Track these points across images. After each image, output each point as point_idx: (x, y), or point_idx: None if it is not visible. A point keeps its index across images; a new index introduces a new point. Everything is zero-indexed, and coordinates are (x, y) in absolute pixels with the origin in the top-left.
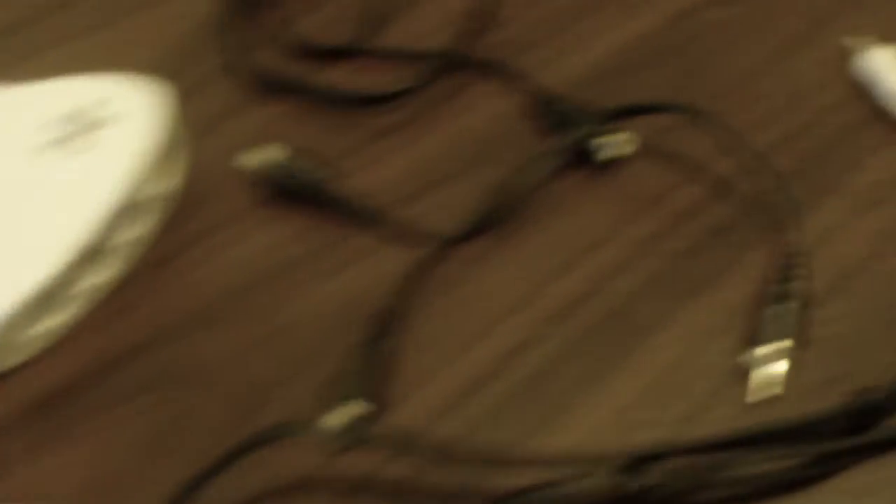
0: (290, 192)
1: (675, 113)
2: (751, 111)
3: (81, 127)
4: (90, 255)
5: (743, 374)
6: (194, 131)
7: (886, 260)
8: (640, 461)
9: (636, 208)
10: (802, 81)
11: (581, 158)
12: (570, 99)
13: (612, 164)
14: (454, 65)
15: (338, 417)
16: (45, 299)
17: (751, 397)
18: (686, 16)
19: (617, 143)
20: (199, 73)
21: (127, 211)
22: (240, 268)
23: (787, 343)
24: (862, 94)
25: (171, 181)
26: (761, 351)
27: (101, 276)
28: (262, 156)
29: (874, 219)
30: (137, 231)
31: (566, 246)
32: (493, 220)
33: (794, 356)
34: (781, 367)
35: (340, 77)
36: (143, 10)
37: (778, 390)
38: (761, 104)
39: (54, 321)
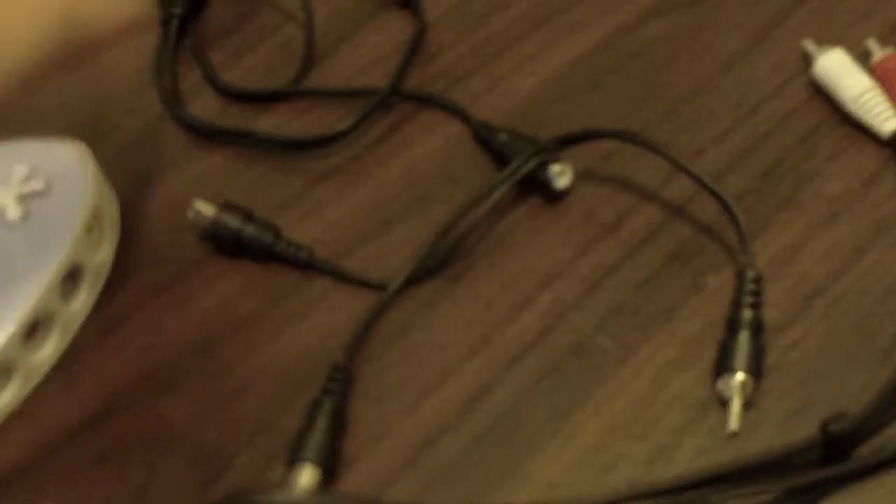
0: (235, 247)
1: (617, 139)
2: (704, 127)
3: (13, 196)
4: (31, 328)
5: (711, 405)
6: (134, 189)
7: (847, 276)
8: None
9: (590, 238)
10: (758, 90)
11: (528, 190)
12: (510, 129)
13: (562, 193)
14: (391, 102)
15: (297, 480)
16: None
17: (733, 426)
18: (625, 33)
19: (562, 172)
20: (134, 129)
21: (66, 279)
22: (189, 328)
23: (748, 374)
24: (820, 98)
25: (110, 245)
26: (730, 381)
27: (46, 349)
28: (205, 210)
29: (833, 234)
30: (80, 299)
31: (521, 282)
32: (443, 261)
33: (760, 385)
34: (746, 396)
35: (278, 122)
36: (72, 70)
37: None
38: (714, 119)
39: (1, 399)
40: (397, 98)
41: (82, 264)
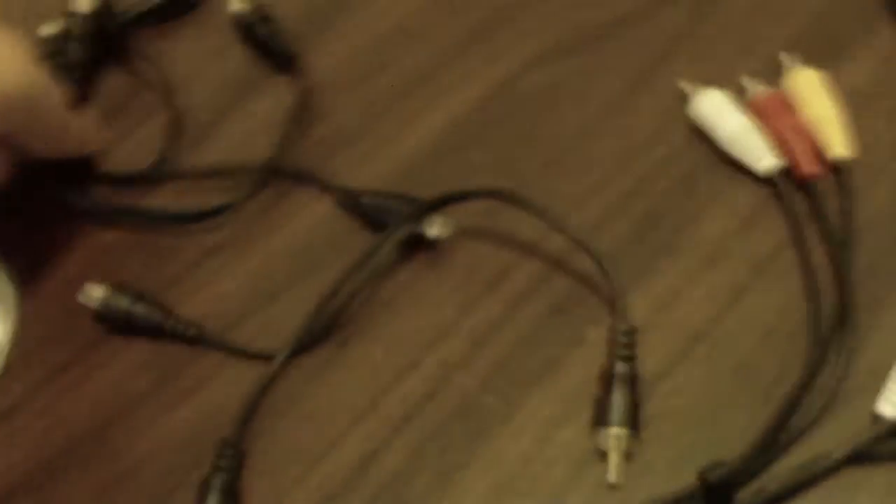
0: (127, 326)
1: (489, 198)
2: (585, 175)
3: None
4: None
5: (593, 458)
6: (29, 270)
7: (726, 319)
8: None
9: (472, 296)
10: (638, 134)
11: (408, 251)
12: (384, 193)
13: (441, 252)
14: (270, 175)
15: None
16: None
17: (612, 478)
18: (504, 86)
19: (438, 229)
20: (24, 213)
21: None
22: (85, 410)
23: (624, 427)
24: (700, 139)
25: (7, 329)
26: (605, 435)
27: None
28: (96, 293)
29: (712, 277)
30: None
31: (405, 345)
32: (328, 329)
33: (641, 435)
34: (624, 448)
35: (165, 200)
36: None
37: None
38: (595, 166)
39: None
40: (276, 171)
41: None
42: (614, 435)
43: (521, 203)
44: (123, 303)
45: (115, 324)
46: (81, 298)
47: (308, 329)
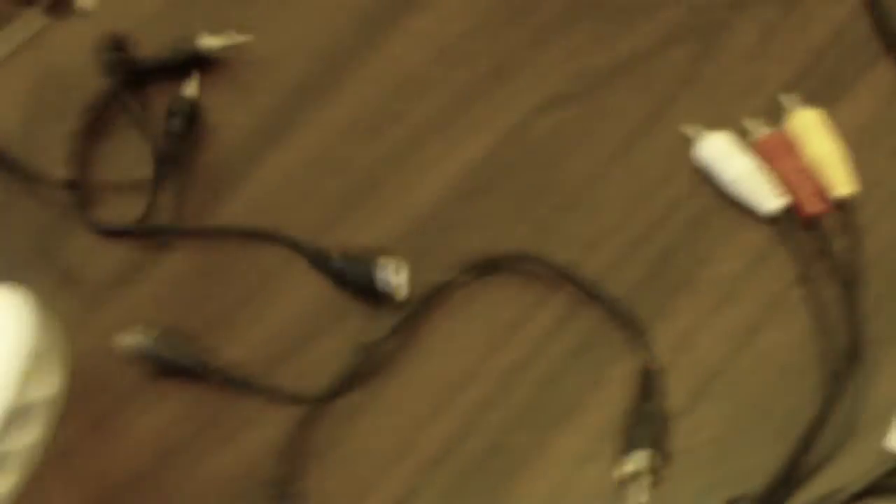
0: (167, 370)
1: (519, 263)
2: (599, 217)
3: None
4: None
5: (623, 491)
6: (78, 315)
7: (742, 357)
8: None
9: (496, 339)
10: (646, 177)
11: (435, 300)
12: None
13: (467, 296)
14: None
15: None
16: None
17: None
18: (518, 130)
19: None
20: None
21: (13, 418)
22: (134, 454)
23: (653, 457)
24: (706, 181)
25: (55, 381)
26: (632, 466)
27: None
28: (138, 339)
29: (728, 315)
30: (30, 436)
31: (434, 389)
32: (361, 374)
33: (668, 466)
34: (650, 480)
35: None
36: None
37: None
38: (606, 209)
39: None
40: (268, 238)
41: (29, 402)
42: (642, 456)
43: (550, 267)
44: (164, 347)
45: (156, 367)
46: (123, 344)
47: (342, 374)
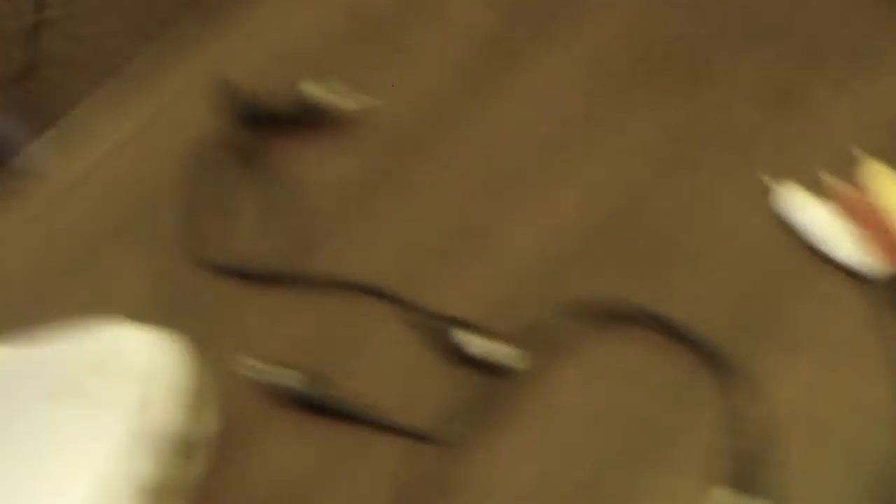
0: (305, 405)
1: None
2: (688, 268)
3: (101, 381)
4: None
5: None
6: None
7: (825, 404)
8: None
9: (592, 379)
10: (722, 227)
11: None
12: None
13: (563, 342)
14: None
15: None
16: None
17: None
18: (601, 188)
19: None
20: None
21: (180, 451)
22: (262, 489)
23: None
24: (783, 229)
25: (213, 413)
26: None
27: None
28: (264, 370)
29: (808, 361)
30: (193, 470)
31: (557, 431)
32: (481, 415)
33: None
34: None
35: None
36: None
37: None
38: (693, 259)
39: None
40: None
41: (192, 439)
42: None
43: (667, 325)
44: (302, 383)
45: (291, 401)
46: (250, 375)
47: (459, 413)
